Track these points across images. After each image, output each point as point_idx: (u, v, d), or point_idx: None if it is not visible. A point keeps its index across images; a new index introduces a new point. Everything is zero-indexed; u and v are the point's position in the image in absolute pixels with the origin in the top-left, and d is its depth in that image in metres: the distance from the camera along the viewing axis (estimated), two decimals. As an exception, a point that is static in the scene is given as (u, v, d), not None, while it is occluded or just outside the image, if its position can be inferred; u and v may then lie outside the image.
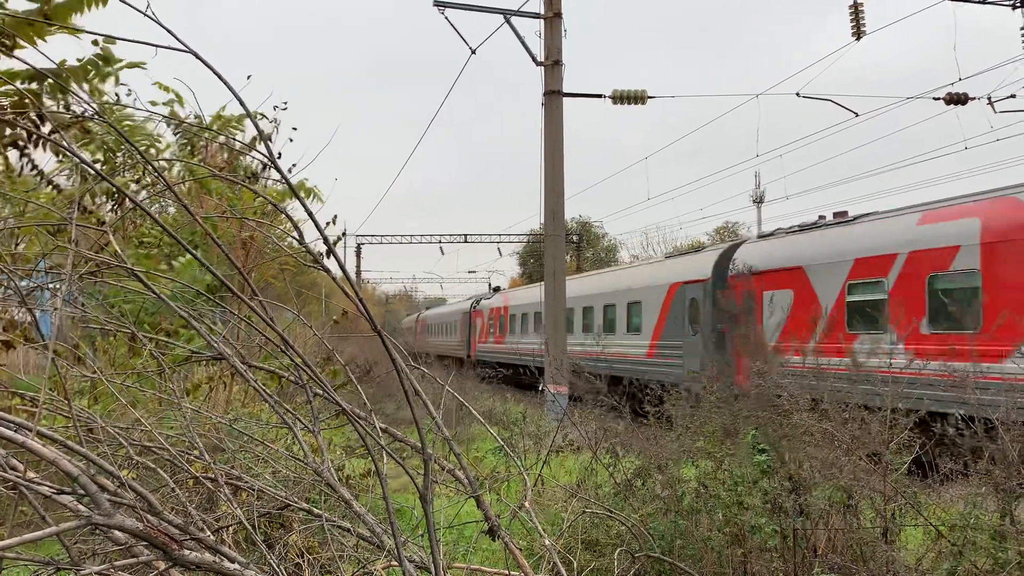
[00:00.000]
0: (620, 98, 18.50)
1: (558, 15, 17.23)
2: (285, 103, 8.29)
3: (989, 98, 18.13)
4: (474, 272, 68.99)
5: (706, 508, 5.81)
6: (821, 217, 17.74)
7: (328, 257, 2.63)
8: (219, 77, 2.14)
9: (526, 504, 4.19)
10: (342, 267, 2.37)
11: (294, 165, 7.88)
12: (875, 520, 5.27)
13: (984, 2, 16.87)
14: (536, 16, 17.32)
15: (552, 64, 17.16)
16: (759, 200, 52.64)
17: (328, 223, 8.35)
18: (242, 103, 2.30)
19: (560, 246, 18.13)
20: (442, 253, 55.32)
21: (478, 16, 17.64)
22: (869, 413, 5.71)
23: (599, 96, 18.34)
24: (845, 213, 17.23)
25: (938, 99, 18.48)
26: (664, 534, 5.45)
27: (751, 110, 76.24)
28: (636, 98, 18.65)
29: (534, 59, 17.26)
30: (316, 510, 3.92)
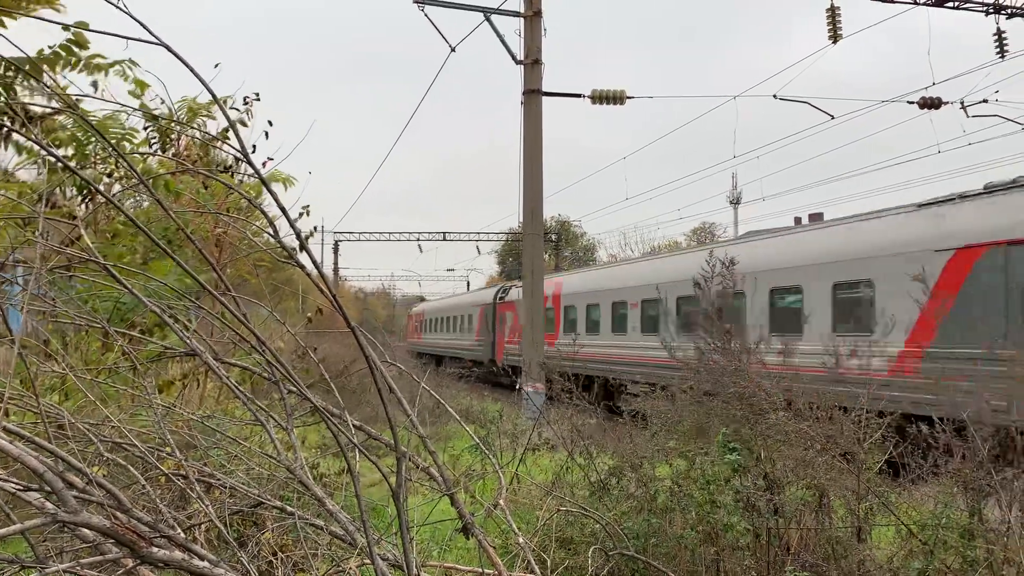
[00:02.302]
0: (599, 98, 18.53)
1: (538, 14, 17.22)
2: (257, 94, 8.20)
3: (962, 102, 18.37)
4: (453, 270, 68.90)
5: (680, 507, 5.84)
6: (797, 220, 17.93)
7: (301, 252, 2.61)
8: (186, 65, 2.11)
9: (500, 502, 4.19)
10: (314, 262, 2.35)
11: (270, 159, 7.81)
12: (847, 519, 5.32)
13: (958, 8, 17.08)
14: (516, 15, 17.31)
15: (531, 63, 17.15)
16: (736, 201, 52.99)
17: (301, 213, 8.27)
18: (210, 91, 2.27)
19: (538, 245, 18.15)
20: (420, 251, 55.22)
21: (458, 14, 17.61)
22: (843, 413, 5.77)
23: (578, 96, 18.37)
24: (821, 215, 17.43)
25: (912, 103, 18.69)
26: (638, 533, 5.46)
27: (729, 112, 76.69)
28: (615, 98, 18.69)
29: (514, 58, 17.25)
30: (289, 508, 3.89)
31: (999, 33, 17.54)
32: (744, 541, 5.33)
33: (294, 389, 2.85)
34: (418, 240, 52.87)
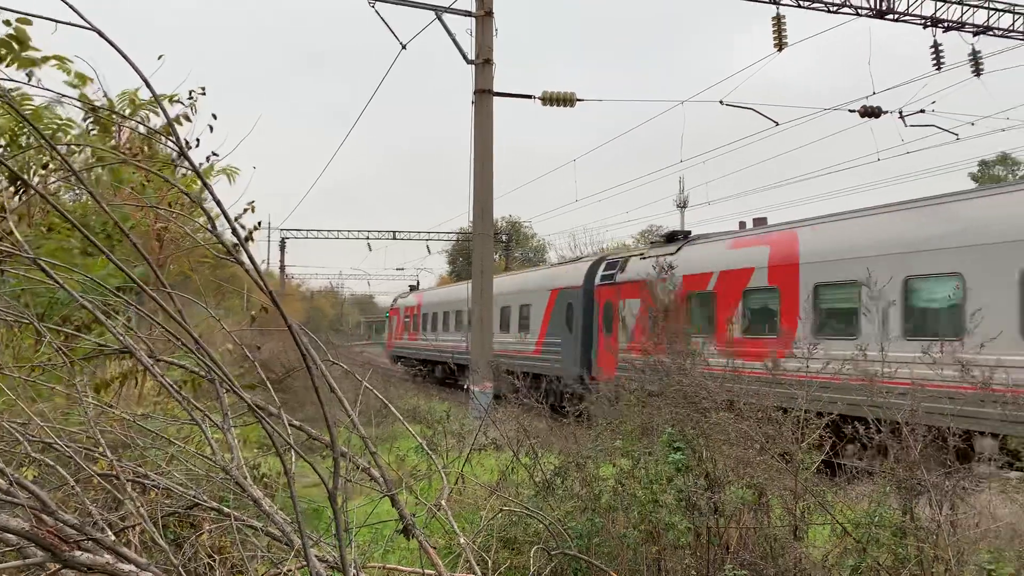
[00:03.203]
0: (549, 100, 18.60)
1: (489, 14, 17.22)
2: (203, 88, 8.01)
3: (900, 112, 18.89)
4: (402, 269, 68.41)
5: (623, 506, 5.88)
6: (742, 224, 18.22)
7: (240, 248, 2.56)
8: (123, 56, 2.05)
9: (443, 503, 4.17)
10: (251, 258, 2.30)
11: (214, 153, 7.64)
12: (785, 518, 5.42)
13: (897, 20, 17.55)
14: (467, 14, 17.28)
15: (483, 63, 17.14)
16: (683, 205, 53.74)
17: (245, 209, 8.11)
18: (147, 83, 2.21)
19: (488, 245, 18.16)
20: (370, 249, 54.73)
21: (411, 11, 17.50)
22: (783, 414, 5.87)
23: (529, 97, 18.41)
24: (764, 220, 17.75)
25: (853, 111, 19.16)
26: (581, 532, 5.49)
27: (677, 117, 77.68)
28: (565, 100, 18.79)
29: (465, 57, 17.21)
30: (226, 509, 3.82)
31: (936, 46, 18.09)
32: (685, 540, 5.38)
33: (229, 388, 2.80)
34: (367, 238, 52.47)
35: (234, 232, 2.31)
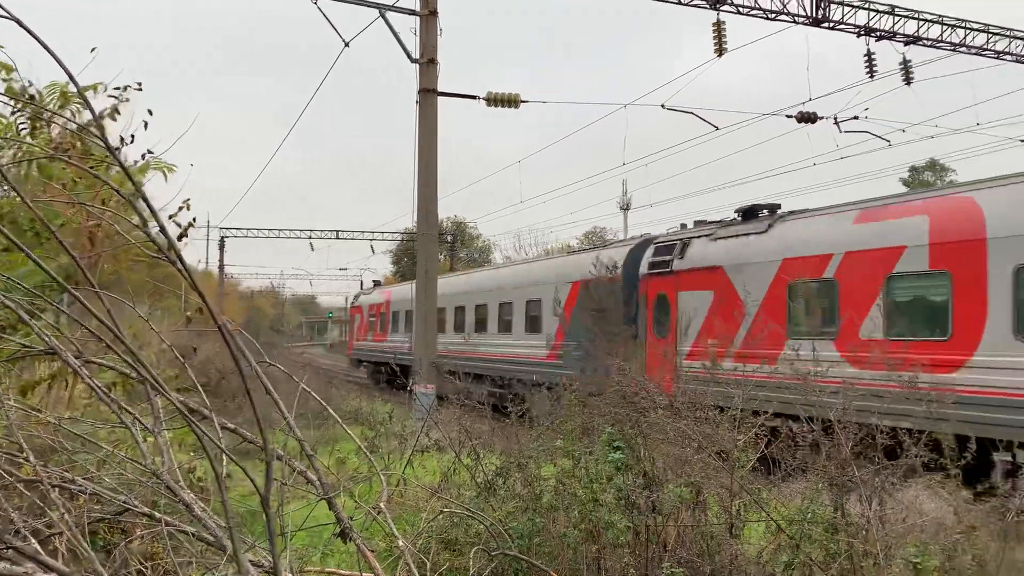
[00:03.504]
0: (494, 100, 18.62)
1: (434, 13, 17.16)
2: (139, 83, 7.78)
3: (835, 118, 19.41)
4: (346, 269, 67.67)
5: (563, 506, 5.91)
6: (682, 226, 18.50)
7: (171, 248, 2.49)
8: (44, 47, 1.98)
9: (382, 505, 4.13)
10: (180, 258, 2.24)
11: (149, 151, 7.43)
12: (721, 516, 5.51)
13: (833, 28, 18.02)
14: (412, 13, 17.19)
15: (427, 62, 17.06)
16: (626, 207, 54.31)
17: (181, 207, 7.91)
18: (70, 75, 2.13)
19: (433, 245, 18.09)
20: (312, 249, 53.91)
21: (355, 10, 17.34)
22: (720, 413, 5.97)
23: (473, 97, 18.40)
24: (704, 222, 18.05)
25: (791, 117, 19.62)
26: (522, 532, 5.50)
27: (621, 119, 78.47)
28: (509, 101, 18.83)
29: (409, 56, 17.12)
30: (157, 514, 3.72)
31: (869, 54, 18.64)
32: (624, 539, 5.44)
33: (160, 390, 2.73)
34: (309, 238, 51.68)
35: (162, 231, 2.25)
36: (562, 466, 6.38)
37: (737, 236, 14.19)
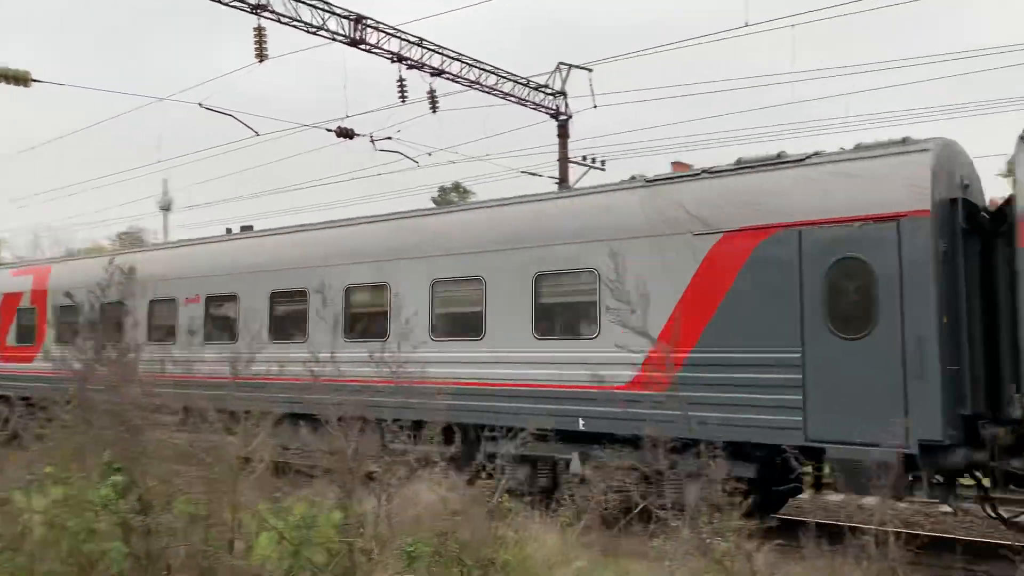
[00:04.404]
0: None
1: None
2: None
3: (372, 137, 20.54)
4: None
5: (54, 540, 5.35)
6: (228, 230, 17.88)
7: None
8: None
9: None
10: None
11: None
12: (225, 532, 5.42)
13: (369, 51, 19.04)
14: None
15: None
16: (167, 207, 51.38)
17: None
18: None
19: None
20: None
21: None
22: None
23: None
24: (251, 227, 17.74)
25: (331, 130, 20.22)
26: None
27: (156, 114, 73.18)
28: (16, 78, 16.50)
29: None
30: None
31: (401, 80, 20.08)
32: (119, 567, 5.08)
33: None
34: None
35: None
36: (54, 495, 5.76)
37: None
